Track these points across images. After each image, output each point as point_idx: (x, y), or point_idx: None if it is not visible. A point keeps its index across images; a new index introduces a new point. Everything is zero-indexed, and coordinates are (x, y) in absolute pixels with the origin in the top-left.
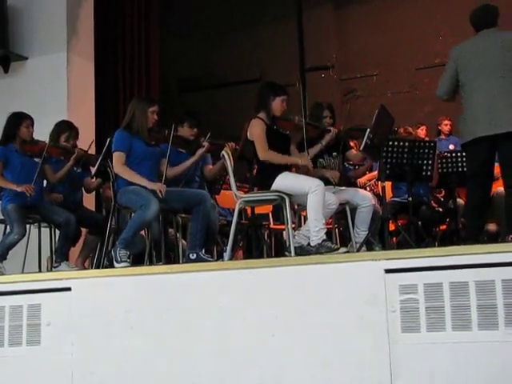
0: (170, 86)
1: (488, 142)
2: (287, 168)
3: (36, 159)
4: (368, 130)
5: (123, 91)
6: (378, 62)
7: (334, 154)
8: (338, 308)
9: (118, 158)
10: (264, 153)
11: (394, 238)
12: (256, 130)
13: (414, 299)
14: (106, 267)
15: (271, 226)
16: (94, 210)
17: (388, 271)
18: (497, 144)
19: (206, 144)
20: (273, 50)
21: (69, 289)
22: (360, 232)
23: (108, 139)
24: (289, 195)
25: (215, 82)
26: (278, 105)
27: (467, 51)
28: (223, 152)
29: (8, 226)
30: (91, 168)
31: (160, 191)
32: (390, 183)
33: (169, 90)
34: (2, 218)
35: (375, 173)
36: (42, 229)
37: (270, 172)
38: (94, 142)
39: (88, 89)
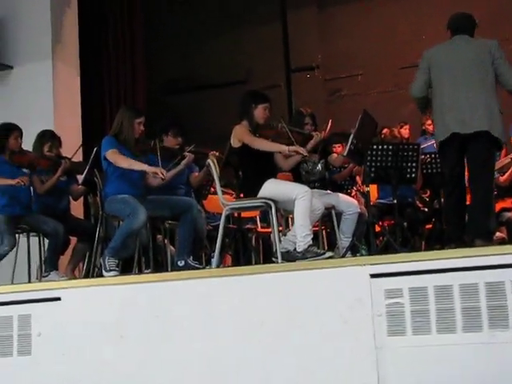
0: (155, 89)
1: (458, 143)
2: (273, 175)
3: (24, 170)
4: (351, 135)
5: (109, 97)
6: (362, 61)
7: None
8: (325, 313)
9: (113, 153)
10: (250, 139)
11: (381, 238)
12: (239, 131)
13: (399, 303)
14: (95, 276)
15: (258, 229)
16: (82, 217)
17: (373, 276)
18: (466, 147)
19: (188, 155)
20: (258, 51)
21: (58, 298)
22: (344, 238)
23: (95, 148)
24: (275, 201)
25: (200, 85)
26: (260, 113)
27: (441, 54)
28: (208, 161)
29: None
30: (77, 176)
31: (161, 173)
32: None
33: (154, 94)
34: None
35: None
36: (31, 238)
37: (256, 178)
38: (80, 148)
39: (74, 96)
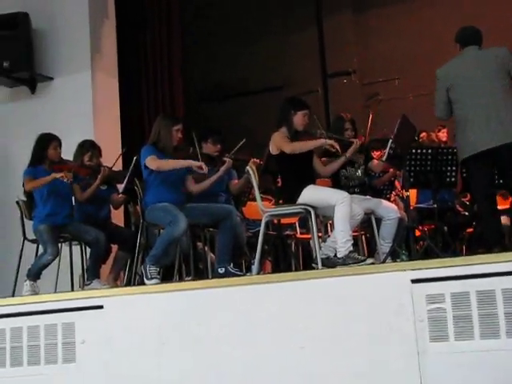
0: (193, 97)
1: (484, 157)
2: (312, 181)
3: (65, 180)
4: (390, 141)
5: (147, 106)
6: (399, 65)
7: (357, 164)
8: (367, 319)
9: (152, 159)
10: (289, 146)
11: (421, 243)
12: (278, 139)
13: (441, 308)
14: (137, 284)
15: (298, 235)
16: (122, 225)
17: (414, 281)
18: (495, 156)
19: (227, 161)
20: (294, 56)
21: (101, 307)
22: (384, 244)
23: (134, 157)
24: (314, 208)
25: (238, 92)
26: (299, 119)
27: (456, 69)
28: (248, 168)
29: (41, 246)
30: (117, 185)
31: (201, 167)
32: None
33: (192, 102)
34: (33, 238)
35: None
36: (73, 247)
37: (295, 185)
38: (120, 157)
39: (113, 105)
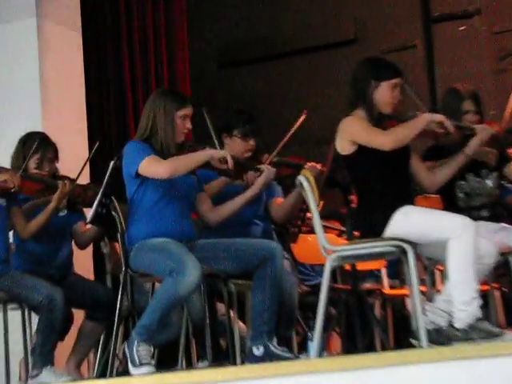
0: (207, 61)
1: None
2: (409, 199)
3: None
4: None
5: (131, 76)
6: None
7: (484, 170)
8: None
9: (150, 161)
10: (386, 137)
11: None
12: (351, 126)
13: None
14: (116, 375)
15: (385, 291)
16: (92, 277)
17: None
18: None
19: (266, 169)
20: None
21: None
22: None
23: (111, 162)
24: (413, 244)
25: (281, 51)
26: (385, 95)
27: None
28: (300, 177)
29: None
30: (84, 209)
31: (226, 159)
32: None
33: (205, 69)
34: None
35: None
36: (10, 313)
37: (380, 206)
38: (88, 162)
39: (74, 73)
